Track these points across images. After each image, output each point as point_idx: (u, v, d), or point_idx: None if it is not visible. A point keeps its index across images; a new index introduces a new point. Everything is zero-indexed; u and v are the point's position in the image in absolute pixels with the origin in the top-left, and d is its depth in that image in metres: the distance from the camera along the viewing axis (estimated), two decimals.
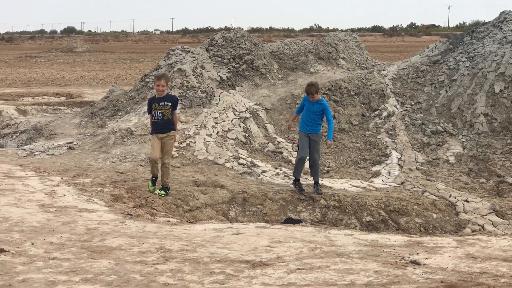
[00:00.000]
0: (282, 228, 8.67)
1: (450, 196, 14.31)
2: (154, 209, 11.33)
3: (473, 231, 13.14)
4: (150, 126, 13.07)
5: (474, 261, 7.09)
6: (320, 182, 14.65)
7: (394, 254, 7.36)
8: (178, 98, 15.24)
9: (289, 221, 12.41)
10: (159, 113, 12.70)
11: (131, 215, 9.68)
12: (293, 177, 14.23)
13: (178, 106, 16.14)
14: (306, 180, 14.58)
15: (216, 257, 7.26)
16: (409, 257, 7.20)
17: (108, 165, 15.30)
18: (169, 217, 10.86)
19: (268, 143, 16.95)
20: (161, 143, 12.77)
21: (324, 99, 14.11)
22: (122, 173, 14.65)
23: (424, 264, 6.97)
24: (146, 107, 17.78)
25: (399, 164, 16.22)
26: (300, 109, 14.27)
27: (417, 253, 7.39)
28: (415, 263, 6.99)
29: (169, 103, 12.72)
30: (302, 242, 7.87)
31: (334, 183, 14.90)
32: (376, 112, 18.56)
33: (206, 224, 9.11)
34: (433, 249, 7.58)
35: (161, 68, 19.34)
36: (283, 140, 17.22)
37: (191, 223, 9.28)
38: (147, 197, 12.27)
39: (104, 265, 7.00)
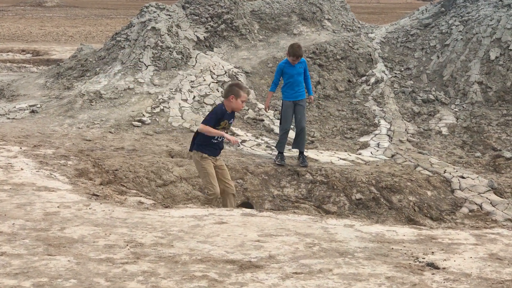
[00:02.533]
0: (272, 217, 7.51)
1: (444, 172, 13.27)
2: (124, 185, 10.14)
3: (470, 210, 12.17)
4: (201, 141, 10.04)
5: (501, 264, 6.00)
6: (306, 153, 13.52)
7: (406, 254, 6.24)
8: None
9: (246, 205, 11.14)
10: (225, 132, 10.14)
11: (97, 195, 8.45)
12: (277, 151, 13.11)
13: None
14: (290, 152, 13.43)
15: (197, 255, 6.10)
16: (424, 258, 6.10)
17: (74, 131, 14.04)
18: (141, 196, 9.67)
19: (248, 109, 15.73)
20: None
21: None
22: (90, 140, 13.43)
23: (444, 268, 5.87)
24: (117, 68, 16.53)
25: (388, 135, 15.12)
26: (276, 82, 13.19)
27: (432, 252, 6.29)
28: (433, 266, 5.89)
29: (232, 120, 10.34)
30: (297, 235, 6.72)
31: (320, 156, 13.78)
32: (364, 78, 17.38)
33: (184, 210, 7.91)
34: (450, 247, 6.48)
35: (134, 26, 17.97)
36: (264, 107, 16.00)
37: (166, 207, 8.08)
38: (116, 171, 11.06)
39: (62, 264, 5.81)
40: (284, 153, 13.07)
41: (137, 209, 7.86)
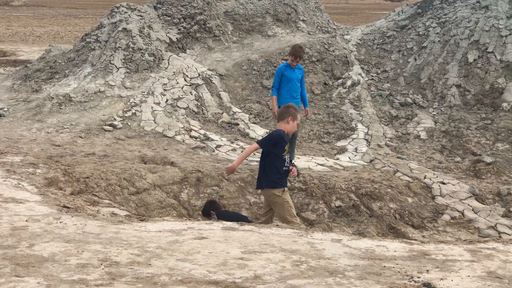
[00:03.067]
0: (254, 231, 7.09)
1: (424, 177, 12.98)
2: (96, 195, 9.65)
3: (452, 217, 11.88)
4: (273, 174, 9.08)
5: (501, 284, 5.65)
6: None
7: (399, 272, 5.87)
8: None
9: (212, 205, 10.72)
10: (288, 158, 9.40)
11: (68, 207, 7.97)
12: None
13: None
14: None
15: (177, 275, 5.67)
16: (419, 277, 5.73)
17: (43, 136, 13.53)
18: (114, 206, 9.20)
19: (222, 113, 15.32)
20: None
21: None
22: (59, 146, 12.93)
23: None
24: (87, 70, 16.03)
25: (366, 139, 14.79)
26: (277, 86, 12.41)
27: (427, 270, 5.92)
28: (429, 287, 5.51)
29: None
30: (283, 252, 6.32)
31: (297, 161, 13.39)
32: (340, 81, 17.04)
33: (160, 223, 7.46)
34: (445, 264, 6.12)
35: (104, 27, 17.46)
36: (239, 110, 15.59)
37: (141, 220, 7.63)
38: (87, 179, 10.57)
39: (31, 287, 5.35)
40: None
41: (111, 222, 7.40)
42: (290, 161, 12.29)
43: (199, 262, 6.02)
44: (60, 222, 7.28)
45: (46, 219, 7.39)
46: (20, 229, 6.96)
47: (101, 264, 5.95)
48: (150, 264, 5.96)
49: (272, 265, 5.96)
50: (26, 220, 7.27)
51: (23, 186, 8.95)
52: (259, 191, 12.00)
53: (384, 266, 6.02)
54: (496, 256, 6.44)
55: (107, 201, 9.47)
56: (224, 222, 7.51)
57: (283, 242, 6.67)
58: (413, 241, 6.98)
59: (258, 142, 9.22)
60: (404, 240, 7.02)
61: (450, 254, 6.47)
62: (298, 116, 9.34)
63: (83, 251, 6.30)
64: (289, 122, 9.12)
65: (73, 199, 8.57)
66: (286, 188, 9.27)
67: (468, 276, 5.81)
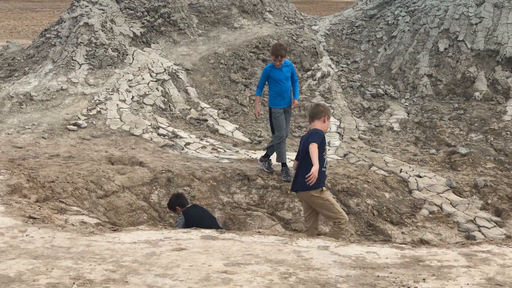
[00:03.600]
0: (235, 239, 6.66)
1: (400, 171, 12.68)
2: (63, 201, 9.14)
3: (430, 212, 11.60)
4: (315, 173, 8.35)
5: None
6: (255, 155, 12.76)
7: (394, 282, 5.49)
8: None
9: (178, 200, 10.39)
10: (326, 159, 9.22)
11: (34, 218, 7.46)
12: (263, 157, 12.16)
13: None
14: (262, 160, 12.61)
15: None
16: (416, 287, 5.35)
17: (4, 137, 12.96)
18: (83, 214, 8.71)
19: (190, 109, 14.85)
20: None
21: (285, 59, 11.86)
22: (21, 147, 12.40)
23: None
24: (48, 67, 15.46)
25: (338, 133, 14.45)
26: (261, 86, 11.92)
27: (424, 279, 5.56)
28: None
29: None
30: (268, 263, 5.90)
31: (270, 157, 12.99)
32: (309, 73, 16.64)
33: (135, 233, 6.99)
34: (441, 271, 5.76)
35: (64, 21, 16.86)
36: (207, 106, 15.13)
37: (114, 230, 7.15)
38: (52, 183, 10.05)
39: None
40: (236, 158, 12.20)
41: (82, 234, 6.92)
42: (284, 164, 11.85)
43: (180, 277, 5.59)
44: (27, 236, 6.78)
45: (10, 232, 6.88)
46: None
47: (74, 283, 5.48)
48: (126, 281, 5.51)
49: (258, 278, 5.54)
50: None
51: None
52: (232, 189, 11.65)
53: (378, 276, 5.65)
54: (493, 260, 6.10)
55: (75, 208, 8.97)
56: (202, 230, 7.06)
57: (267, 252, 6.26)
58: (403, 245, 6.61)
59: (315, 140, 8.67)
60: (394, 244, 6.65)
61: (444, 259, 6.11)
62: (330, 114, 9.13)
63: (52, 269, 5.83)
64: (325, 121, 8.94)
65: (39, 208, 8.06)
66: (324, 188, 9.01)
67: (467, 284, 5.46)
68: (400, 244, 6.76)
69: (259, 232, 7.01)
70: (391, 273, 5.73)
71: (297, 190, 9.18)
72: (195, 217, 10.04)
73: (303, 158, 8.89)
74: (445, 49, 16.15)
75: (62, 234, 6.89)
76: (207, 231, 6.99)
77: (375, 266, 5.92)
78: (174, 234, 6.87)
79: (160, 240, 6.68)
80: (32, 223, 7.27)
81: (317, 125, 8.89)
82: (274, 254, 6.21)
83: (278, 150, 11.67)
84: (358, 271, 5.78)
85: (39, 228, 7.05)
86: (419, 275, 5.69)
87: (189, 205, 10.32)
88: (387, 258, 6.16)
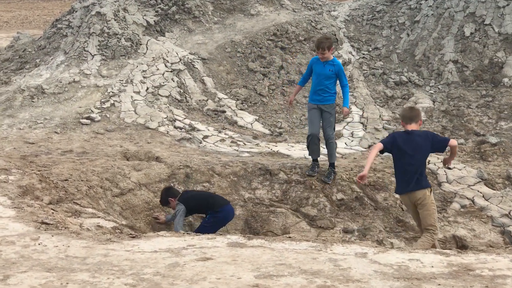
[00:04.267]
0: (265, 246, 6.13)
1: (428, 163, 12.06)
2: (77, 203, 8.63)
3: (462, 206, 11.04)
4: None
5: None
6: (277, 148, 12.22)
7: None
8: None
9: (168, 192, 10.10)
10: None
11: (47, 224, 6.94)
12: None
13: None
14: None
15: None
16: None
17: (15, 133, 12.48)
18: (98, 216, 8.20)
19: (207, 100, 14.30)
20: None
21: (337, 59, 11.12)
22: (33, 143, 11.91)
23: None
24: (59, 58, 14.95)
25: (362, 123, 13.88)
26: (306, 77, 11.35)
27: None
28: None
29: None
30: (303, 274, 5.36)
31: (291, 150, 12.49)
32: None
33: (155, 240, 6.46)
34: (495, 282, 5.21)
35: (76, 11, 16.35)
36: (225, 96, 14.58)
37: (133, 237, 6.63)
38: (66, 182, 9.54)
39: None
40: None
41: (98, 241, 6.40)
42: (330, 165, 11.27)
43: None
44: (39, 244, 6.27)
45: (22, 241, 6.37)
46: None
47: None
48: None
49: None
50: None
51: None
52: (253, 185, 11.12)
53: None
54: None
55: (90, 210, 8.45)
56: (228, 236, 6.52)
57: (301, 261, 5.72)
58: (448, 251, 6.05)
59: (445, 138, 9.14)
60: (438, 250, 6.10)
61: (496, 268, 5.56)
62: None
63: (67, 283, 5.32)
64: (420, 125, 8.99)
65: (52, 212, 7.55)
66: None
67: None
68: (444, 250, 6.21)
69: (289, 237, 6.48)
70: (439, 285, 5.19)
71: (412, 190, 8.79)
72: (192, 198, 9.96)
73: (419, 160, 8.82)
74: (471, 33, 15.50)
75: (77, 242, 6.37)
76: (234, 237, 6.45)
77: (421, 276, 5.38)
78: (198, 241, 6.34)
79: (183, 248, 6.15)
80: (45, 230, 6.76)
81: (415, 127, 8.84)
82: (309, 263, 5.67)
83: (308, 146, 11.14)
84: (403, 282, 5.23)
85: (52, 236, 6.54)
86: (470, 287, 5.15)
87: (180, 194, 9.97)
88: (432, 266, 5.61)
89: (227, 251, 6.01)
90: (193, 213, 10.20)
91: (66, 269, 5.66)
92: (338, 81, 11.04)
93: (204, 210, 10.00)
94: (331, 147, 11.07)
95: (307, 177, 11.12)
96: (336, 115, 11.62)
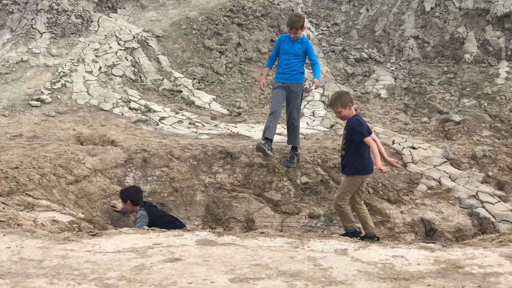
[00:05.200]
0: (237, 244, 5.68)
1: (393, 143, 11.83)
2: (30, 195, 8.07)
3: (429, 187, 10.75)
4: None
5: None
6: (236, 130, 11.77)
7: None
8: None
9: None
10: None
11: None
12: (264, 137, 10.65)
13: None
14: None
15: None
16: None
17: None
18: (53, 209, 7.66)
19: (163, 79, 13.76)
20: None
21: (305, 37, 10.54)
22: None
23: None
24: (5, 37, 14.26)
25: (322, 101, 13.49)
26: (273, 57, 10.75)
27: None
28: None
29: (345, 132, 8.44)
30: (282, 277, 4.94)
31: (252, 131, 12.06)
32: None
33: (118, 237, 5.97)
34: (486, 280, 4.86)
35: None
36: (181, 75, 14.05)
37: (93, 235, 6.12)
38: (16, 169, 8.96)
39: None
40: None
41: (55, 240, 5.88)
42: (292, 148, 10.78)
43: None
44: None
45: None
46: None
47: None
48: None
49: None
50: None
51: None
52: (214, 168, 10.68)
53: None
54: None
55: (44, 202, 7.90)
56: (197, 233, 6.06)
57: (278, 260, 5.30)
58: (433, 246, 5.69)
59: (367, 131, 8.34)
60: (422, 245, 5.73)
61: (486, 264, 5.21)
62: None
63: None
64: (351, 109, 8.32)
65: (3, 207, 6.99)
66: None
67: None
68: (428, 243, 5.84)
69: (262, 233, 6.04)
70: (429, 285, 4.81)
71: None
72: (155, 212, 9.28)
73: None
74: (432, 8, 15.21)
75: (32, 242, 5.85)
76: (203, 234, 6.00)
77: (408, 276, 5.00)
78: (164, 239, 5.87)
79: (149, 247, 5.67)
80: None
81: (346, 113, 8.29)
82: (286, 263, 5.25)
83: (266, 123, 10.56)
84: (390, 283, 4.85)
85: (4, 235, 6.00)
86: (462, 286, 4.79)
87: (143, 204, 9.38)
88: (418, 264, 5.24)
89: (196, 250, 5.55)
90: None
91: (20, 274, 5.15)
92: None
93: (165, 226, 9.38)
94: (296, 130, 10.61)
95: (265, 156, 10.63)
96: (306, 88, 11.04)
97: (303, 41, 10.31)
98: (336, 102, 8.15)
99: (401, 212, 10.37)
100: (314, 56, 10.41)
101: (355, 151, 8.25)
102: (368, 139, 8.17)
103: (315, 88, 10.12)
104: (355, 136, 8.16)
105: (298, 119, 10.62)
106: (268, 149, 10.43)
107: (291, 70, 10.41)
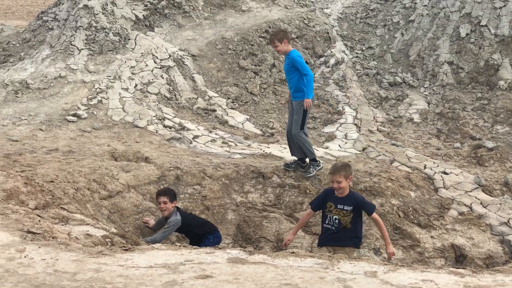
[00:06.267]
0: (268, 263, 5.76)
1: (425, 167, 11.81)
2: (65, 208, 8.22)
3: (460, 213, 10.73)
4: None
5: None
6: (269, 150, 11.87)
7: None
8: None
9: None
10: (334, 218, 8.24)
11: (34, 233, 6.54)
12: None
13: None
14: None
15: None
16: None
17: None
18: (87, 223, 7.79)
19: (197, 98, 13.91)
20: None
21: (294, 51, 10.52)
22: (17, 141, 11.50)
23: None
24: (45, 52, 14.51)
25: (355, 124, 13.54)
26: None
27: None
28: None
29: (350, 208, 8.16)
30: None
31: (284, 152, 12.11)
32: (322, 59, 15.69)
33: (150, 253, 6.08)
34: None
35: (62, 3, 15.88)
36: (215, 95, 14.18)
37: (126, 250, 6.24)
38: (52, 183, 9.13)
39: None
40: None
41: (89, 254, 6.00)
42: (300, 160, 10.94)
43: None
44: (25, 257, 5.85)
45: (7, 252, 5.96)
46: None
47: None
48: None
49: None
50: None
51: None
52: (245, 188, 10.77)
53: None
54: None
55: (78, 216, 8.05)
56: (228, 251, 6.15)
57: (308, 280, 5.36)
58: (462, 271, 5.71)
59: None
60: (451, 270, 5.76)
61: None
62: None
63: None
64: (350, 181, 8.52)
65: (39, 220, 7.14)
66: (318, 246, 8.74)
67: None
68: (457, 268, 5.87)
69: (293, 253, 6.10)
70: None
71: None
72: (189, 217, 9.43)
73: None
74: (467, 34, 15.21)
75: (66, 254, 5.97)
76: (234, 252, 6.08)
77: None
78: (196, 256, 5.96)
79: (181, 263, 5.76)
80: (32, 240, 6.35)
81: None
82: (316, 283, 5.31)
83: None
84: None
85: (39, 247, 6.13)
86: None
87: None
88: None
89: (227, 268, 5.64)
90: (183, 232, 9.61)
91: (54, 286, 5.27)
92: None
93: (199, 229, 9.45)
94: (297, 144, 10.64)
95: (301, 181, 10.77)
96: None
97: (289, 56, 10.33)
98: (340, 171, 8.15)
99: (431, 237, 10.38)
100: (303, 68, 10.34)
101: None
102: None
103: (305, 109, 10.32)
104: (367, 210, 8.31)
105: (297, 133, 10.56)
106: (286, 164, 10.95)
107: (290, 87, 10.63)
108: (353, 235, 8.29)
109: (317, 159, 10.95)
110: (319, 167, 10.83)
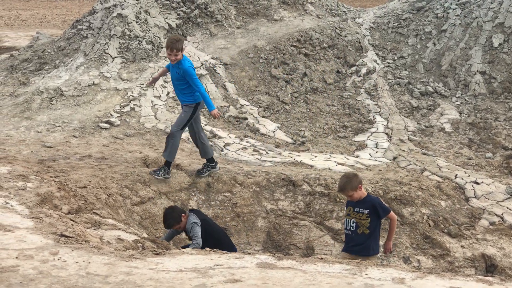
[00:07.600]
0: (296, 268, 5.81)
1: (456, 177, 11.78)
2: (97, 213, 8.34)
3: (491, 223, 10.70)
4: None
5: None
6: (300, 158, 11.92)
7: None
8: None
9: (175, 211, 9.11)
10: (352, 222, 8.06)
11: (67, 236, 6.65)
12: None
13: None
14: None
15: None
16: None
17: (33, 136, 12.22)
18: (119, 228, 7.90)
19: (229, 106, 14.00)
20: None
21: (187, 60, 10.20)
22: (51, 147, 11.65)
23: None
24: (79, 60, 14.72)
25: (386, 133, 13.53)
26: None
27: None
28: None
29: (366, 211, 7.97)
30: None
31: (315, 160, 12.15)
32: (354, 68, 15.69)
33: (180, 257, 6.16)
34: None
35: (97, 12, 16.06)
36: (247, 103, 14.27)
37: (157, 254, 6.32)
38: (85, 189, 9.26)
39: None
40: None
41: (120, 258, 6.09)
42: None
43: None
44: (58, 259, 5.97)
45: (40, 255, 6.08)
46: (9, 271, 5.65)
47: None
48: None
49: None
50: (16, 257, 5.96)
51: (11, 206, 7.64)
52: (275, 195, 10.83)
53: None
54: None
55: (110, 221, 8.16)
56: (257, 256, 6.21)
57: (335, 286, 5.40)
58: (491, 279, 5.71)
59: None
60: (480, 277, 5.76)
61: None
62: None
63: None
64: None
65: (72, 224, 7.26)
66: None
67: None
68: (485, 276, 5.87)
69: (321, 258, 6.14)
70: None
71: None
72: (206, 220, 9.09)
73: None
74: (500, 44, 15.14)
75: (98, 258, 6.07)
76: (263, 257, 6.13)
77: None
78: (225, 261, 6.02)
79: (210, 268, 5.83)
80: (65, 243, 6.46)
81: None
82: None
83: None
84: None
85: (72, 250, 6.24)
86: None
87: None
88: None
89: (256, 273, 5.69)
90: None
91: None
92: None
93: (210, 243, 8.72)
94: (167, 141, 10.41)
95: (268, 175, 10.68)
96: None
97: (180, 66, 10.08)
98: (346, 189, 8.09)
99: (462, 246, 10.36)
100: (195, 81, 10.12)
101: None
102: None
103: (217, 119, 10.24)
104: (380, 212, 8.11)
105: (173, 132, 10.35)
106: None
107: (178, 93, 10.51)
108: (371, 242, 8.10)
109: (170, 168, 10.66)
110: (168, 176, 10.56)
